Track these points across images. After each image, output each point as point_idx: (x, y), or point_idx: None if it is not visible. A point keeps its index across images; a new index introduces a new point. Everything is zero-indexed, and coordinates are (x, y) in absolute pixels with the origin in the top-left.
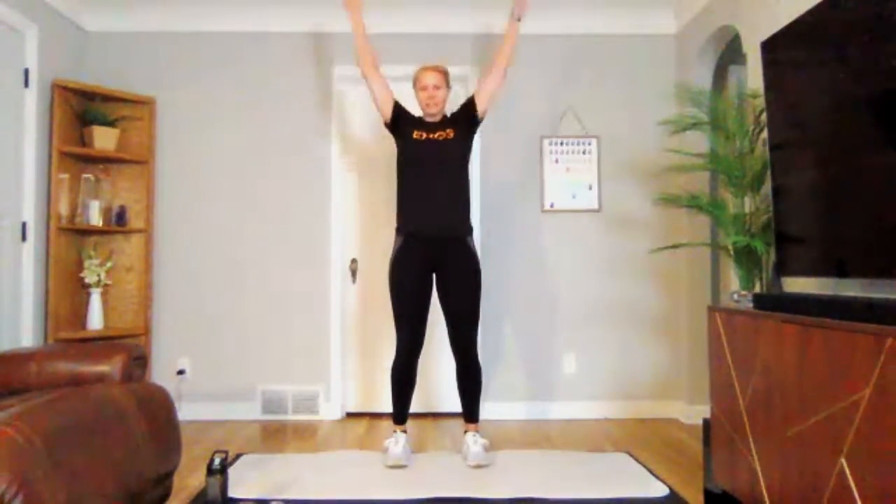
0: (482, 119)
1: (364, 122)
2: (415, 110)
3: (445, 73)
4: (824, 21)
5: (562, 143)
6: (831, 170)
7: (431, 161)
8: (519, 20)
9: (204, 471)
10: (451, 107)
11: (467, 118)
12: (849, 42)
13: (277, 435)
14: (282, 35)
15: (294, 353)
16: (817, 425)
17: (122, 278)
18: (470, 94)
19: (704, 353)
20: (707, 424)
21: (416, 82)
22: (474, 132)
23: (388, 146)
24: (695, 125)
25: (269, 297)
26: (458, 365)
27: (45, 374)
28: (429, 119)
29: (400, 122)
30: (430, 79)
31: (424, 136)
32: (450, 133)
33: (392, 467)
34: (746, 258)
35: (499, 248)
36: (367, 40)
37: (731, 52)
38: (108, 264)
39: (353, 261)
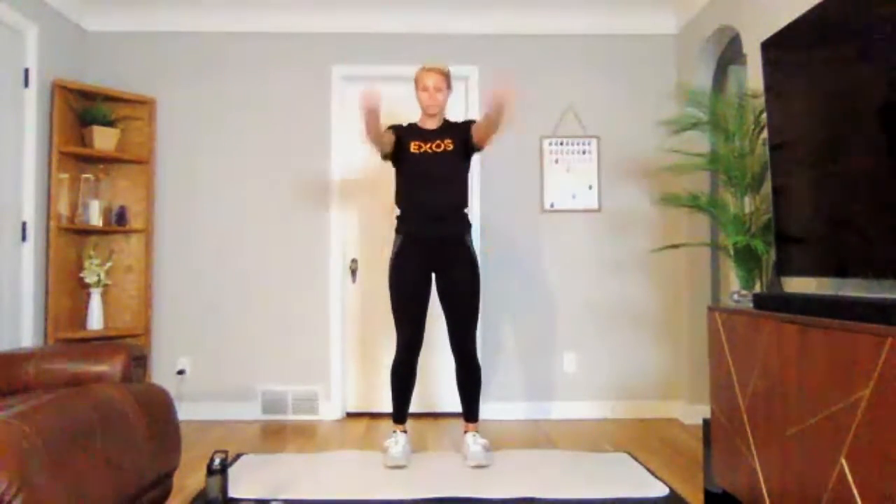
0: (476, 151)
1: None
2: (412, 109)
3: (447, 75)
4: (824, 21)
5: (562, 143)
6: (831, 169)
7: (430, 172)
8: (499, 116)
9: (204, 471)
10: (454, 103)
11: (465, 142)
12: (849, 42)
13: (277, 435)
14: (282, 35)
15: (294, 353)
16: (817, 425)
17: (122, 278)
18: (471, 120)
19: (704, 353)
20: (707, 424)
21: (417, 82)
22: (471, 154)
23: None
24: (695, 125)
25: (269, 296)
26: (457, 365)
27: (45, 374)
28: (427, 125)
29: (398, 143)
30: (431, 80)
31: (423, 147)
32: (449, 144)
33: (392, 467)
34: (746, 258)
35: (499, 248)
36: (383, 139)
37: (731, 52)
38: (108, 264)
39: (353, 261)
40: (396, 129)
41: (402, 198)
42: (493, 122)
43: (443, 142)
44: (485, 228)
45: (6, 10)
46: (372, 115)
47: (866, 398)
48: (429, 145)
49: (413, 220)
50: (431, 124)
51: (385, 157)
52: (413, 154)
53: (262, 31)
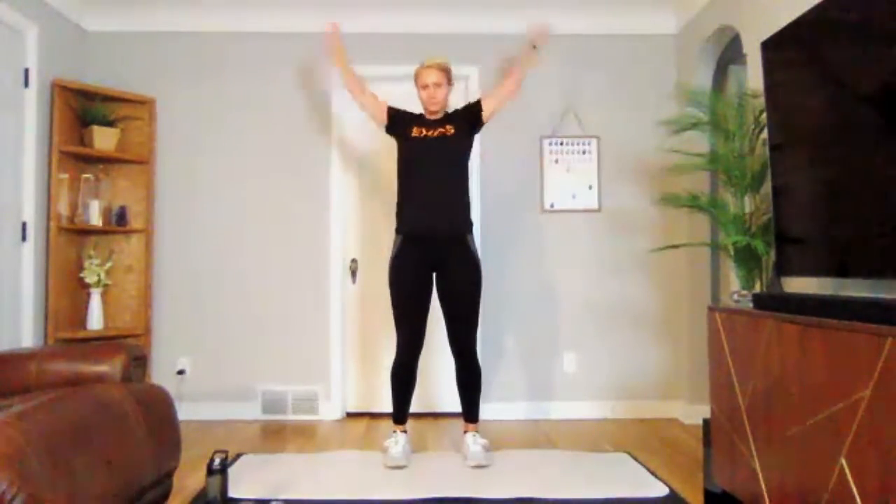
0: (485, 123)
1: (364, 121)
2: (414, 108)
3: (447, 71)
4: (824, 21)
5: (562, 143)
6: (831, 169)
7: (430, 159)
8: (535, 48)
9: (204, 471)
10: (454, 103)
11: (470, 119)
12: (848, 42)
13: (277, 435)
14: (281, 35)
15: (294, 353)
16: (817, 425)
17: (122, 278)
18: (477, 97)
19: (704, 353)
20: (707, 424)
21: (417, 79)
22: (475, 133)
23: (387, 145)
24: (695, 125)
25: (269, 297)
26: (457, 365)
27: (45, 374)
28: (430, 116)
29: (397, 123)
30: (431, 77)
31: (424, 133)
32: (449, 130)
33: (392, 467)
34: (746, 258)
35: (499, 248)
36: (354, 76)
37: (731, 52)
38: (108, 264)
39: (353, 261)
40: (397, 111)
41: (402, 191)
42: (528, 58)
43: (444, 128)
44: (485, 228)
45: (6, 10)
46: (337, 54)
47: (866, 398)
48: (430, 131)
49: (413, 217)
50: (434, 117)
51: (387, 130)
52: (414, 138)
53: (262, 31)
